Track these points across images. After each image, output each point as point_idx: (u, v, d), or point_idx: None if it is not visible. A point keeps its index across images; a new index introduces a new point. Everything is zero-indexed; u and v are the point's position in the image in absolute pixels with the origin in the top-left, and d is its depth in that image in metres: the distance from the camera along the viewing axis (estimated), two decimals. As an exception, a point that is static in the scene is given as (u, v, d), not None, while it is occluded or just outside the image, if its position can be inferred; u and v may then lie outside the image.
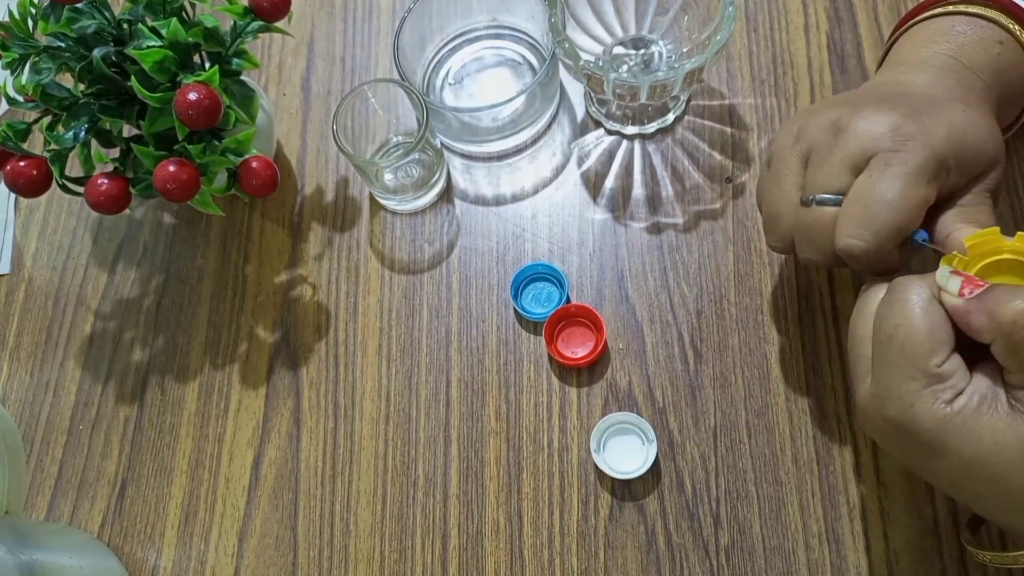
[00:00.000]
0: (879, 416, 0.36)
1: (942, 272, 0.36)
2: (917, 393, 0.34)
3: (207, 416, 0.55)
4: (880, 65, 0.49)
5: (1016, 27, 0.43)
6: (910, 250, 0.40)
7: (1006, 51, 0.44)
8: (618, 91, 0.50)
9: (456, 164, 0.60)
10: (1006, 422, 0.33)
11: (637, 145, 0.58)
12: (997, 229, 0.37)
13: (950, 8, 0.45)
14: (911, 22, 0.47)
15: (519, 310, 0.54)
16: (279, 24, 0.50)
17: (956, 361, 0.35)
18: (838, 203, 0.39)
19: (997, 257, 0.37)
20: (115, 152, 0.50)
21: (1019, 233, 0.37)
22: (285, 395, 0.54)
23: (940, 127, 0.39)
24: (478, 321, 0.55)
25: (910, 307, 0.35)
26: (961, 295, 0.34)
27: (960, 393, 0.34)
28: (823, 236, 0.40)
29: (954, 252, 0.37)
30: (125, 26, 0.48)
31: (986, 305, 0.34)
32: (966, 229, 0.39)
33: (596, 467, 0.49)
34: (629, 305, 0.54)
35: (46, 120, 0.48)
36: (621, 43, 0.58)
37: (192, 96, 0.45)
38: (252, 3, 0.49)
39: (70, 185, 0.49)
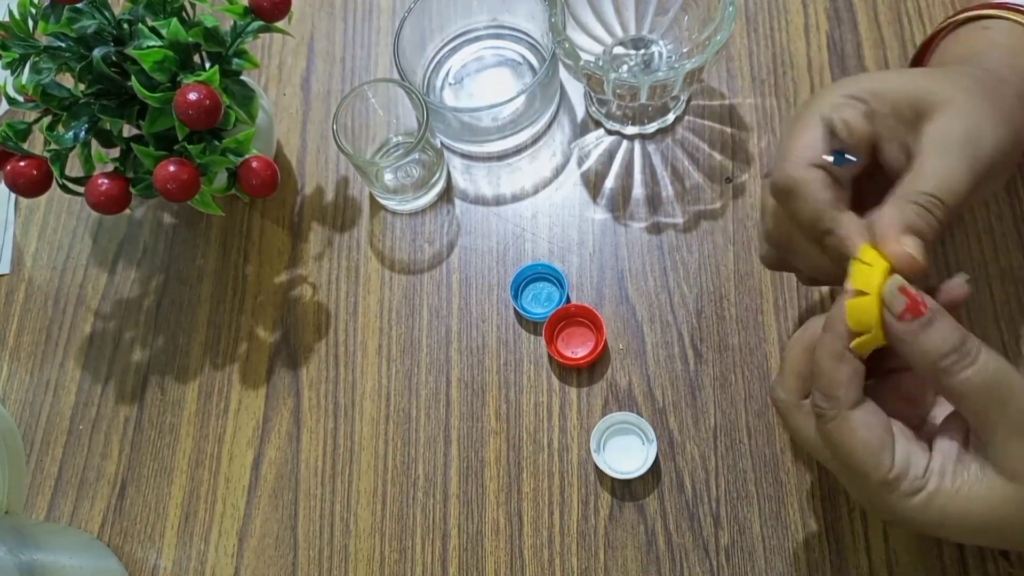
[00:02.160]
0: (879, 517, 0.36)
1: (890, 288, 0.34)
2: (888, 499, 0.34)
3: (207, 416, 0.55)
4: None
5: None
6: (842, 188, 0.37)
7: None
8: (618, 91, 0.50)
9: (456, 164, 0.60)
10: (984, 486, 0.33)
11: (637, 145, 0.58)
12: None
13: (987, 13, 0.44)
14: (955, 19, 0.46)
15: (519, 310, 0.54)
16: (279, 24, 0.50)
17: (904, 450, 0.35)
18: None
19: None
20: (115, 152, 0.50)
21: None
22: (285, 395, 0.54)
23: (859, 79, 0.39)
24: (478, 321, 0.55)
25: (838, 433, 0.35)
26: (902, 318, 0.34)
27: (927, 478, 0.34)
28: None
29: (857, 259, 0.36)
30: (125, 26, 0.48)
31: (921, 342, 0.33)
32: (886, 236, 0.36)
33: (596, 467, 0.49)
34: (629, 305, 0.54)
35: (46, 120, 0.48)
36: (621, 43, 0.58)
37: (192, 96, 0.45)
38: (252, 3, 0.49)
39: (70, 185, 0.49)
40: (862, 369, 0.35)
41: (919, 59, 0.49)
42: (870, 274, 0.35)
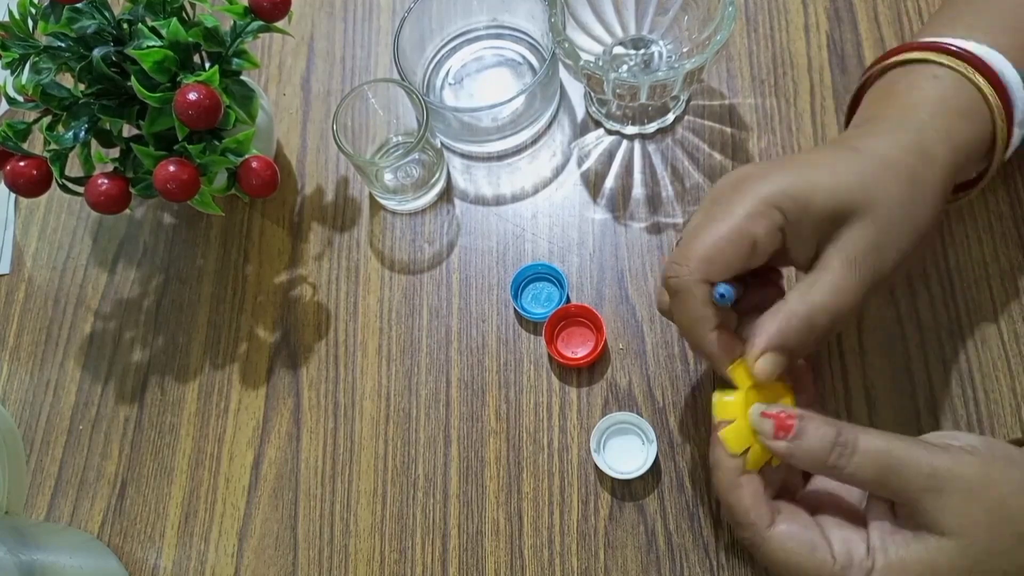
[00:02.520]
0: None
1: (754, 417, 0.37)
2: None
3: (207, 416, 0.55)
4: (850, 109, 0.49)
5: (984, 83, 0.42)
6: (716, 306, 0.39)
7: (976, 127, 0.42)
8: (618, 91, 0.50)
9: (456, 164, 0.60)
10: (921, 547, 0.34)
11: (637, 145, 0.58)
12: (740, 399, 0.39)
13: (930, 56, 0.43)
14: (890, 61, 0.45)
15: (519, 310, 0.54)
16: (279, 24, 0.50)
17: (841, 539, 0.36)
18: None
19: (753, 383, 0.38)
20: (115, 152, 0.50)
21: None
22: (285, 395, 0.54)
23: (788, 174, 0.38)
24: (478, 321, 0.55)
25: (772, 555, 0.36)
26: (776, 438, 0.36)
27: (872, 556, 0.35)
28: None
29: (725, 392, 0.39)
30: (125, 26, 0.48)
31: (803, 452, 0.36)
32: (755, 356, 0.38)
33: (596, 467, 0.49)
34: (629, 305, 0.54)
35: (46, 120, 0.48)
36: (621, 43, 0.58)
37: (192, 96, 0.45)
38: (252, 3, 0.49)
39: (70, 185, 0.49)
40: (762, 487, 0.37)
41: (859, 93, 0.48)
42: (731, 405, 0.38)
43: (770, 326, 0.37)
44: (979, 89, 0.42)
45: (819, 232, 0.39)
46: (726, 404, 0.39)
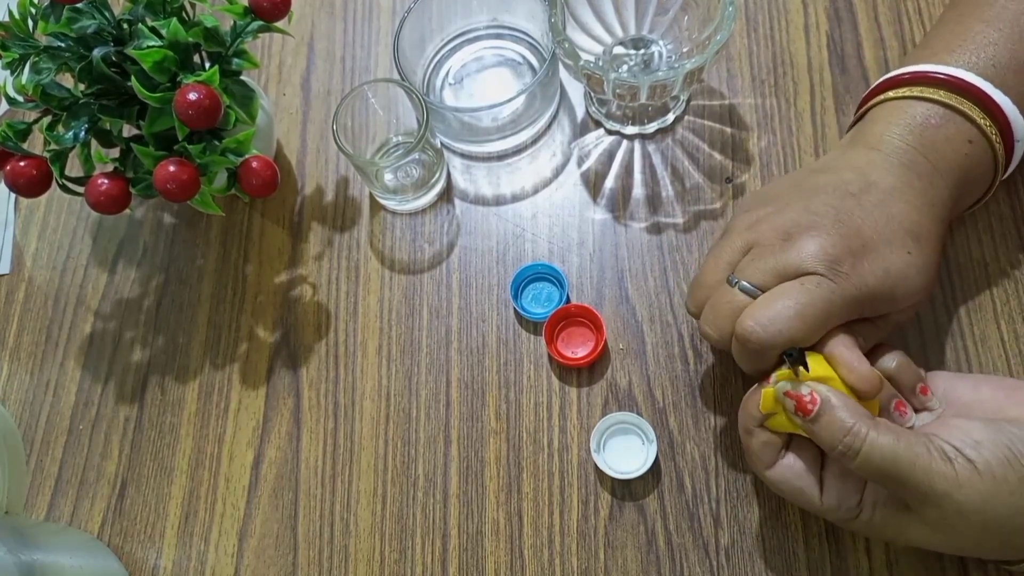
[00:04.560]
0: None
1: (779, 392, 0.40)
2: (832, 519, 0.41)
3: (207, 416, 0.55)
4: (851, 128, 0.50)
5: (987, 123, 0.44)
6: (780, 361, 0.42)
7: (975, 150, 0.44)
8: (618, 91, 0.50)
9: (456, 164, 0.60)
10: (912, 525, 0.39)
11: (637, 145, 0.58)
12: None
13: (928, 94, 0.45)
14: (884, 94, 0.47)
15: (519, 310, 0.54)
16: (279, 24, 0.50)
17: (835, 489, 0.41)
18: (754, 296, 0.42)
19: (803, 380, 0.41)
20: (115, 152, 0.50)
21: (808, 354, 0.41)
22: (285, 395, 0.54)
23: (875, 275, 0.41)
24: (478, 321, 0.55)
25: (770, 484, 0.43)
26: (796, 414, 0.39)
27: (861, 508, 0.40)
28: (727, 317, 0.42)
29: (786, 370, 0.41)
30: (125, 26, 0.48)
31: (815, 433, 0.39)
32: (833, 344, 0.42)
33: (596, 467, 0.49)
34: (629, 305, 0.54)
35: (46, 120, 0.48)
36: (621, 43, 0.58)
37: (192, 96, 0.45)
38: (252, 3, 0.49)
39: (70, 185, 0.49)
40: (773, 439, 0.42)
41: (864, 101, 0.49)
42: (788, 373, 0.41)
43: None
44: (991, 145, 0.45)
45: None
46: (785, 373, 0.41)
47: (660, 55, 0.57)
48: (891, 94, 0.46)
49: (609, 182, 0.57)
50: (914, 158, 0.44)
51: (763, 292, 0.42)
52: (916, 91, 0.45)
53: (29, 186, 0.48)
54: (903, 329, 0.48)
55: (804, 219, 0.42)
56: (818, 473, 0.41)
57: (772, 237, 0.43)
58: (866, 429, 0.37)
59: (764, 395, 0.41)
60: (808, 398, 0.39)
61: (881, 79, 0.48)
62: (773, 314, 0.40)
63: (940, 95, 0.44)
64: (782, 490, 0.42)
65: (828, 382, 0.40)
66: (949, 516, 0.36)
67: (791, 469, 0.42)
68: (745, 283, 0.42)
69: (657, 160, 0.57)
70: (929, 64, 0.45)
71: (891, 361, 0.43)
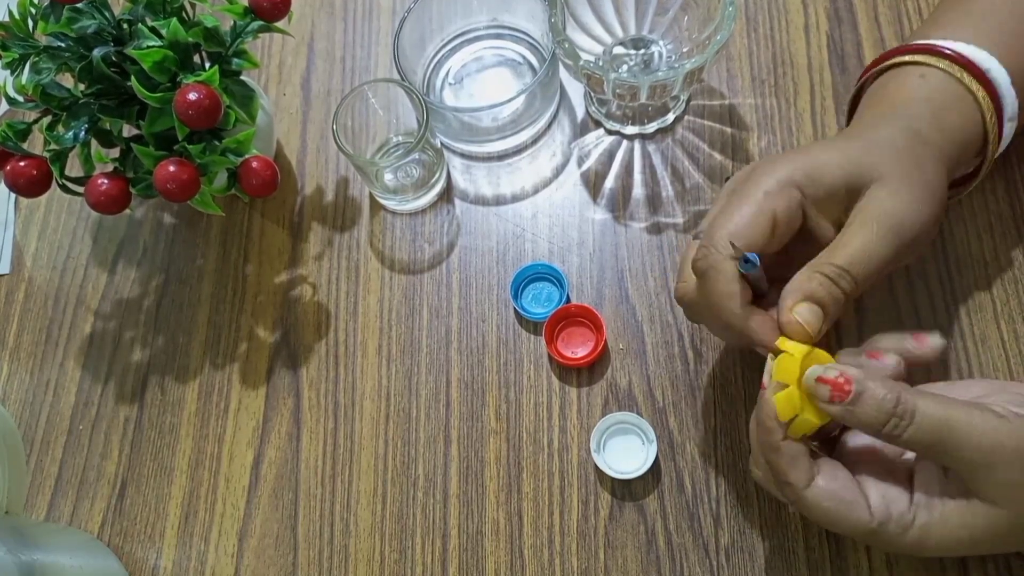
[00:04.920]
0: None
1: (809, 381, 0.37)
2: (883, 541, 0.37)
3: (207, 416, 0.55)
4: (850, 111, 0.50)
5: (982, 93, 0.43)
6: (745, 276, 0.40)
7: (967, 124, 0.43)
8: (618, 91, 0.50)
9: (456, 164, 0.60)
10: (969, 512, 0.36)
11: (637, 145, 0.58)
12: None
13: (918, 59, 0.45)
14: (882, 65, 0.47)
15: (519, 310, 0.54)
16: (279, 24, 0.50)
17: (881, 495, 0.37)
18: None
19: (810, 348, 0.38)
20: (115, 152, 0.50)
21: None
22: (285, 395, 0.54)
23: (799, 157, 0.40)
24: (478, 321, 0.55)
25: (808, 511, 0.37)
26: (832, 402, 0.36)
27: (914, 512, 0.36)
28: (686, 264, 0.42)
29: (778, 350, 0.39)
30: (125, 26, 0.48)
31: (857, 417, 0.36)
32: (798, 310, 0.39)
33: (596, 467, 0.49)
34: (629, 305, 0.54)
35: (46, 120, 0.48)
36: (621, 43, 0.58)
37: (192, 96, 0.45)
38: (252, 3, 0.49)
39: (70, 185, 0.49)
40: (802, 450, 0.38)
41: (856, 96, 0.49)
42: (790, 365, 0.38)
43: (801, 279, 0.39)
44: (965, 86, 0.43)
45: (837, 206, 0.40)
46: (785, 363, 0.38)
47: (660, 55, 0.57)
48: (895, 60, 0.46)
49: (609, 182, 0.57)
50: (907, 125, 0.43)
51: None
52: (907, 58, 0.45)
53: (29, 186, 0.48)
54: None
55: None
56: (857, 486, 0.37)
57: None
58: (912, 397, 0.35)
59: (778, 400, 0.37)
60: (842, 379, 0.36)
61: (881, 54, 0.48)
62: (707, 231, 0.40)
63: (942, 64, 0.44)
64: (827, 511, 0.37)
65: (814, 355, 0.38)
66: (1014, 480, 0.34)
67: (835, 481, 0.37)
68: (698, 230, 0.43)
69: (657, 160, 0.57)
70: (932, 39, 0.45)
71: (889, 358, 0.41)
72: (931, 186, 0.40)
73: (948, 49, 0.44)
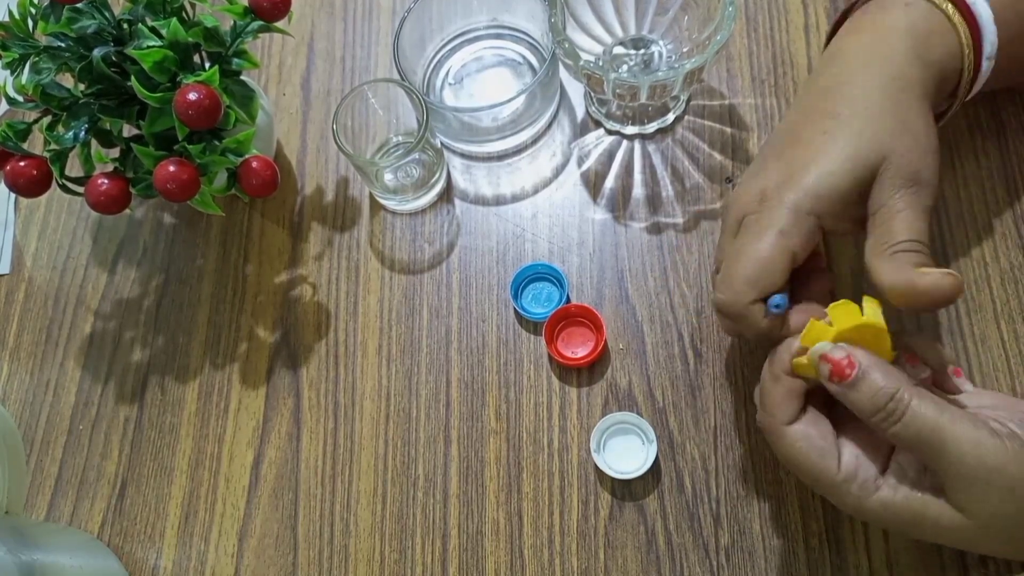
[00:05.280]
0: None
1: (814, 356, 0.38)
2: (843, 498, 0.37)
3: (207, 416, 0.55)
4: (830, 33, 0.49)
5: (953, 11, 0.43)
6: (775, 317, 0.40)
7: (947, 54, 0.44)
8: (618, 91, 0.50)
9: (456, 164, 0.60)
10: (935, 509, 0.36)
11: (637, 145, 0.58)
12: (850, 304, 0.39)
13: None
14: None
15: (519, 310, 0.54)
16: (279, 24, 0.50)
17: (854, 455, 0.38)
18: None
19: (856, 324, 0.38)
20: (115, 152, 0.50)
21: (866, 297, 0.39)
22: (285, 395, 0.54)
23: (804, 173, 0.40)
24: (478, 321, 0.55)
25: (780, 446, 0.39)
26: (831, 380, 0.37)
27: (879, 484, 0.37)
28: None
29: (818, 319, 0.39)
30: (125, 26, 0.48)
31: (851, 400, 0.37)
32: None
33: (596, 467, 0.49)
34: (629, 305, 0.54)
35: (46, 120, 0.48)
36: (621, 43, 0.58)
37: (192, 96, 0.45)
38: (252, 3, 0.49)
39: (70, 185, 0.49)
40: (798, 391, 0.39)
41: (839, 23, 0.49)
42: (821, 333, 0.38)
43: (891, 266, 0.39)
44: (948, 17, 0.43)
45: (854, 205, 0.41)
46: (817, 330, 0.38)
47: (660, 55, 0.57)
48: None
49: (609, 182, 0.57)
50: (886, 59, 0.43)
51: None
52: None
53: (29, 186, 0.48)
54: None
55: (752, 168, 0.44)
56: (835, 441, 0.39)
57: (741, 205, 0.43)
58: (909, 396, 0.35)
59: (797, 363, 0.39)
60: (845, 362, 0.36)
61: None
62: (724, 275, 0.40)
63: None
64: (797, 453, 0.38)
65: (860, 331, 0.38)
66: (993, 496, 0.34)
67: (815, 427, 0.38)
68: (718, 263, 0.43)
69: (657, 160, 0.57)
70: None
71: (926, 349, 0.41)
72: (924, 130, 0.41)
73: None
